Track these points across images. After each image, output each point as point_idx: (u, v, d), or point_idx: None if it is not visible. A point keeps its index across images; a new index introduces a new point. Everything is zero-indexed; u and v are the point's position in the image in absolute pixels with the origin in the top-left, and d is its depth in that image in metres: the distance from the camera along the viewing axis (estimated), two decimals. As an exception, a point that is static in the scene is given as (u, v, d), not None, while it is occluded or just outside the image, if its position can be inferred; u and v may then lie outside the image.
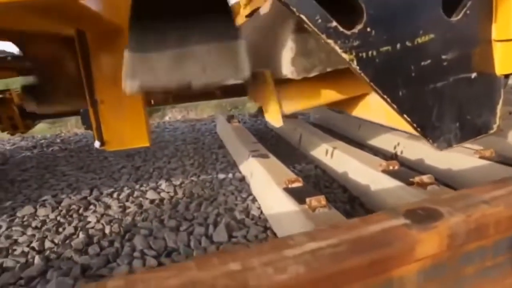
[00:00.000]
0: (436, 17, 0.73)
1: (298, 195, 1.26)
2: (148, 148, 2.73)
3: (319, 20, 0.63)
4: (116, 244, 1.36)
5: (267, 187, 1.48)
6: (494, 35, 0.79)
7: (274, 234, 1.34)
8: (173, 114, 5.04)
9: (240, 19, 2.28)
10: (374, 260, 0.39)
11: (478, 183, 1.26)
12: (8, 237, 1.47)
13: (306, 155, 2.21)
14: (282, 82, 1.04)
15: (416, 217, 0.43)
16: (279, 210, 1.30)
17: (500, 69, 0.82)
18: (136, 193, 1.83)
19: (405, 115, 0.73)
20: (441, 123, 0.78)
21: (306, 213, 1.14)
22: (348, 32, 0.66)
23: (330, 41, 0.65)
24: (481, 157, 1.43)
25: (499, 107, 0.84)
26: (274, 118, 1.07)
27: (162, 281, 0.35)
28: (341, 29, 0.65)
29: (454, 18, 0.75)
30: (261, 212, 1.52)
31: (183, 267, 0.37)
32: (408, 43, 0.71)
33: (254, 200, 1.65)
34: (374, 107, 1.12)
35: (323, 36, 0.64)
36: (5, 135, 2.88)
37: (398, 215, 0.44)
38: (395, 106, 0.72)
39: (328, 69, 0.92)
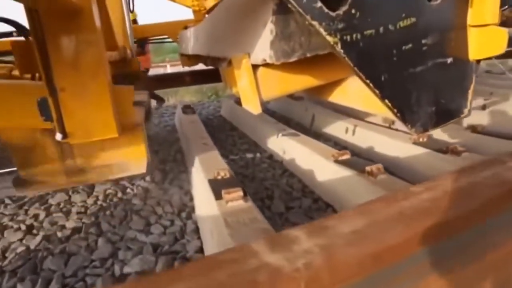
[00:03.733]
0: (418, 1, 0.75)
1: (353, 166, 1.38)
2: (156, 133, 2.67)
3: (304, 0, 0.61)
4: (178, 222, 1.38)
5: (315, 162, 1.58)
6: (470, 20, 0.83)
7: (326, 203, 1.46)
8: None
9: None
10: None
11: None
12: (53, 223, 1.41)
13: (321, 133, 2.35)
14: (259, 68, 0.98)
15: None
16: (336, 181, 1.41)
17: (473, 55, 0.86)
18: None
19: (386, 100, 0.74)
20: (419, 108, 0.81)
21: (369, 180, 1.26)
22: (333, 14, 0.64)
23: (315, 23, 0.62)
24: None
25: (470, 91, 0.89)
26: (252, 105, 1.00)
27: (381, 211, 0.53)
28: (326, 10, 0.63)
29: (434, 2, 0.77)
30: (304, 185, 1.63)
31: (391, 198, 0.57)
32: (391, 27, 0.72)
33: (291, 175, 1.75)
34: (351, 93, 1.11)
35: (308, 17, 0.62)
36: None
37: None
38: (377, 92, 0.72)
39: (308, 55, 0.88)
